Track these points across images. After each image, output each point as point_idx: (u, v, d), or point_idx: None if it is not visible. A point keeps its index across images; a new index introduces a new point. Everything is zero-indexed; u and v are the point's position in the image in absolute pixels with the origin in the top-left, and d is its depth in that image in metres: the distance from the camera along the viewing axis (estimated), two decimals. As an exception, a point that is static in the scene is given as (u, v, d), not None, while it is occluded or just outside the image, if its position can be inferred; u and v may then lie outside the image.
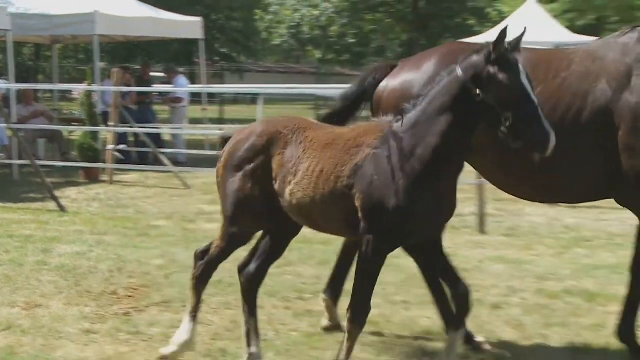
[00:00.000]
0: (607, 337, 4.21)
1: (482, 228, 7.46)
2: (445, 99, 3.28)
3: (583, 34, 17.30)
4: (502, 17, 20.22)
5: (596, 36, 17.52)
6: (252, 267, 3.84)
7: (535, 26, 16.05)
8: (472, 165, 4.04)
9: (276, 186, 3.56)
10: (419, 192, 3.28)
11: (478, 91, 3.18)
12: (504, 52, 3.17)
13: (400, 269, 5.33)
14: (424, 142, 3.28)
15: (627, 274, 3.98)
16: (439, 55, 3.97)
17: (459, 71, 3.26)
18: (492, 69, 3.16)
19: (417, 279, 5.01)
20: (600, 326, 4.47)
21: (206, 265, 3.82)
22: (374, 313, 4.35)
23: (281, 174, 3.53)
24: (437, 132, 3.26)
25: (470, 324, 4.04)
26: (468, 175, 4.99)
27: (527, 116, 3.12)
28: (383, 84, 4.06)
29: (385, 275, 5.18)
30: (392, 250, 3.41)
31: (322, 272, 5.37)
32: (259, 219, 3.71)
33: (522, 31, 3.32)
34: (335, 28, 33.30)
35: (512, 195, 4.13)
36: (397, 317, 4.67)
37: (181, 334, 3.85)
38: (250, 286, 3.83)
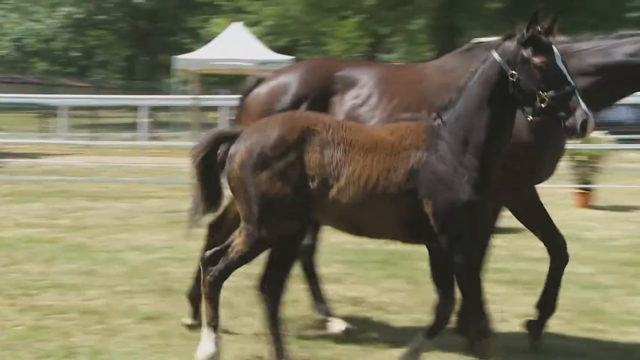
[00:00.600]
0: (302, 311, 4.79)
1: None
2: (483, 88, 3.35)
3: (281, 53, 19.56)
4: (212, 36, 21.81)
5: (292, 55, 19.75)
6: (271, 282, 3.66)
7: (241, 46, 17.87)
8: None
9: (313, 188, 3.37)
10: (483, 184, 3.35)
11: (513, 72, 3.28)
12: (536, 35, 3.28)
13: (123, 261, 5.97)
14: (473, 134, 3.34)
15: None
16: (303, 68, 4.43)
17: (495, 56, 3.34)
18: (525, 51, 3.28)
19: (140, 270, 5.78)
20: (296, 301, 4.86)
21: (223, 270, 3.54)
22: (98, 303, 4.92)
23: (320, 175, 3.36)
24: (484, 124, 3.33)
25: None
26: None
27: (564, 95, 3.22)
28: (254, 91, 4.36)
29: (109, 269, 5.85)
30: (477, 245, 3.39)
31: (48, 269, 5.74)
32: (290, 221, 3.46)
33: (552, 17, 3.36)
34: (60, 42, 34.71)
35: None
36: (120, 306, 4.95)
37: (205, 348, 3.55)
38: (272, 300, 3.64)
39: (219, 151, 3.54)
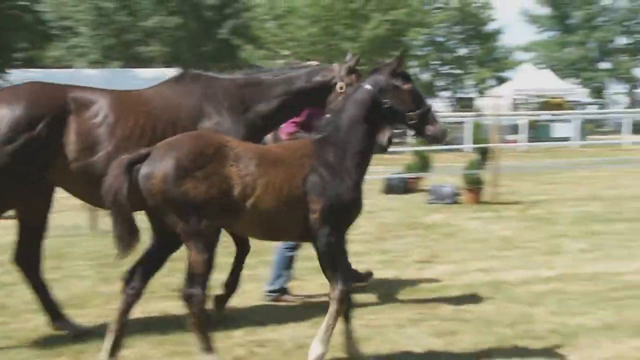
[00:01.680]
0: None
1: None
2: (358, 110, 4.16)
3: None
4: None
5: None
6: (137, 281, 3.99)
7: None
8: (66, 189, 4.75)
9: (233, 196, 3.82)
10: (359, 187, 4.14)
11: (386, 100, 4.14)
12: (402, 69, 4.21)
13: None
14: (350, 145, 4.13)
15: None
16: (27, 93, 4.61)
17: (368, 86, 4.18)
18: (395, 81, 4.17)
19: None
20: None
21: (201, 291, 3.84)
22: None
23: (239, 185, 3.82)
24: (359, 137, 4.14)
25: None
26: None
27: (425, 112, 4.17)
28: None
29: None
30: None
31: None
32: (220, 220, 3.86)
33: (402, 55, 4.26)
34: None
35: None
36: None
37: None
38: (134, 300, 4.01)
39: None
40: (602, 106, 47.55)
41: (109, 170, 3.80)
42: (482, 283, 6.29)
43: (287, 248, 5.94)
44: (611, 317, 5.18)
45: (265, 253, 6.97)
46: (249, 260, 5.47)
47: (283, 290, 5.94)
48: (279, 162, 3.99)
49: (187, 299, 3.86)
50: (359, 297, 5.85)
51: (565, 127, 26.52)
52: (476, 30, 45.12)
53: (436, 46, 46.17)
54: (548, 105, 35.87)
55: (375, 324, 5.14)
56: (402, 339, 4.83)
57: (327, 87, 5.10)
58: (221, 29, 39.74)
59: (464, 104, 46.62)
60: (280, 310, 5.59)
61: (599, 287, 5.99)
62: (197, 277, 3.82)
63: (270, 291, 5.91)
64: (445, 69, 47.36)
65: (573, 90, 37.22)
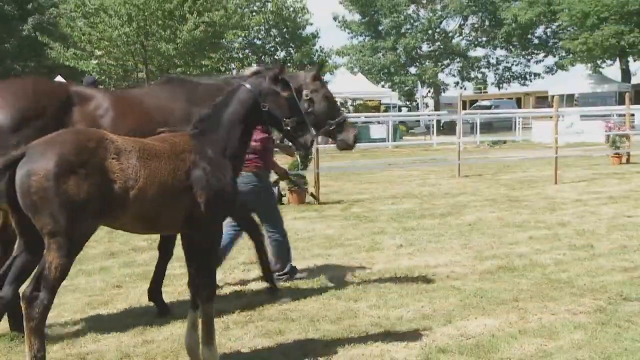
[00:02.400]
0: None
1: None
2: (239, 109, 4.29)
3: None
4: None
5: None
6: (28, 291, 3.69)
7: None
8: None
9: (116, 189, 3.74)
10: (235, 183, 4.27)
11: (265, 104, 4.28)
12: (283, 76, 4.34)
13: None
14: (230, 142, 4.23)
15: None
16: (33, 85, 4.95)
17: (248, 86, 4.30)
18: (276, 87, 4.29)
19: None
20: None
21: (49, 295, 3.64)
22: None
23: (121, 178, 3.76)
24: (238, 134, 4.27)
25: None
26: None
27: (300, 122, 4.35)
28: None
29: None
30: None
31: None
32: (97, 221, 3.77)
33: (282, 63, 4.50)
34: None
35: None
36: None
37: None
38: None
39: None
40: (412, 109, 51.00)
41: None
42: (307, 282, 6.47)
43: (276, 235, 6.39)
44: (426, 307, 5.57)
45: (84, 262, 6.68)
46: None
47: (293, 270, 6.53)
48: (162, 155, 3.99)
49: (31, 301, 3.63)
50: (186, 303, 5.76)
51: (380, 129, 28.04)
52: (293, 34, 46.25)
53: (254, 49, 46.68)
54: (365, 107, 37.74)
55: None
56: (229, 341, 4.84)
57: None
58: (25, 25, 37.14)
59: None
60: (102, 320, 5.36)
61: (415, 280, 6.41)
62: (50, 281, 3.62)
63: (281, 275, 6.42)
64: (264, 72, 47.92)
65: (386, 93, 39.48)
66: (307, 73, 5.79)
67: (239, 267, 7.14)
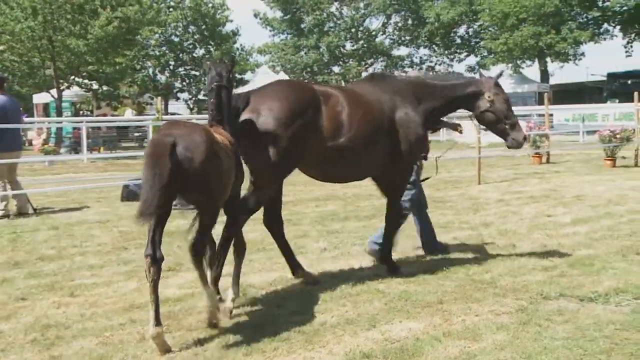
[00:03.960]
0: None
1: None
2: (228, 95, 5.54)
3: None
4: None
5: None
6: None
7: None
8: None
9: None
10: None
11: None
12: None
13: None
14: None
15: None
16: (293, 88, 6.25)
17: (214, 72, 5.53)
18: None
19: None
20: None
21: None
22: None
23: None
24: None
25: None
26: None
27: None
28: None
29: None
30: None
31: None
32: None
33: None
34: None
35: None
36: None
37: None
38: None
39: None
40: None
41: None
42: (228, 287, 6.39)
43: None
44: (350, 312, 5.61)
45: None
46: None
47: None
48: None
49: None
50: (98, 314, 5.60)
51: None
52: (212, 31, 45.80)
53: (172, 46, 45.97)
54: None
55: (114, 340, 4.98)
56: (144, 353, 4.72)
57: (477, 96, 6.81)
58: None
59: (205, 106, 47.10)
60: (4, 336, 5.11)
61: (338, 284, 6.44)
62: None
63: (376, 243, 7.22)
64: (182, 70, 47.37)
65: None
66: (488, 79, 6.90)
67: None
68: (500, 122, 6.80)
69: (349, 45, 52.31)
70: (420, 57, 54.11)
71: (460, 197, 12.58)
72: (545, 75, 46.36)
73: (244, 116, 5.73)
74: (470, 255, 7.55)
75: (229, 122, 5.51)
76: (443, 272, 6.80)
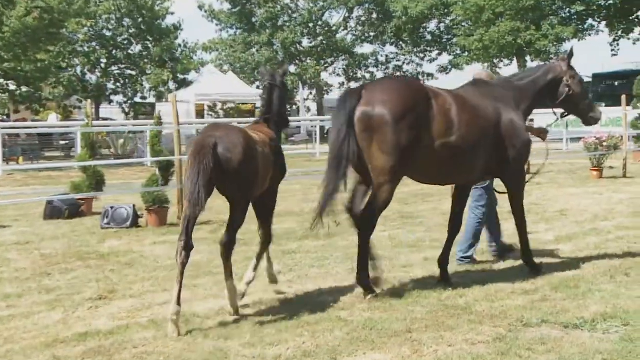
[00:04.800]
0: None
1: None
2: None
3: None
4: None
5: None
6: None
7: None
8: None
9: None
10: None
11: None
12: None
13: None
14: (281, 125, 7.36)
15: None
16: (407, 84, 7.37)
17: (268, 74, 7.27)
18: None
19: None
20: None
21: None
22: None
23: None
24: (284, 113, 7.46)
25: None
26: None
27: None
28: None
29: None
30: None
31: None
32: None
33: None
34: None
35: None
36: None
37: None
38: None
39: None
40: (292, 113, 51.37)
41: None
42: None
43: (479, 220, 8.45)
44: (308, 343, 5.61)
45: None
46: None
47: (473, 258, 8.46)
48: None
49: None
50: (14, 351, 5.49)
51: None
52: (150, 25, 45.46)
53: (103, 42, 45.50)
54: (238, 112, 37.67)
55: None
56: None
57: (557, 83, 7.96)
58: None
59: (143, 111, 46.72)
60: None
61: (295, 311, 6.44)
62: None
63: (463, 257, 8.37)
64: (116, 69, 46.92)
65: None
66: (561, 61, 8.05)
67: (85, 304, 6.88)
68: (580, 104, 8.06)
69: (306, 42, 52.54)
70: (387, 56, 54.68)
71: (432, 212, 12.71)
72: (524, 75, 47.02)
73: (359, 110, 6.68)
74: (442, 278, 7.60)
75: (278, 119, 7.20)
76: (412, 297, 6.85)
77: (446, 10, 47.51)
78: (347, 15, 53.30)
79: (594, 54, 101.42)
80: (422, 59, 53.99)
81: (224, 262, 6.34)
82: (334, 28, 53.17)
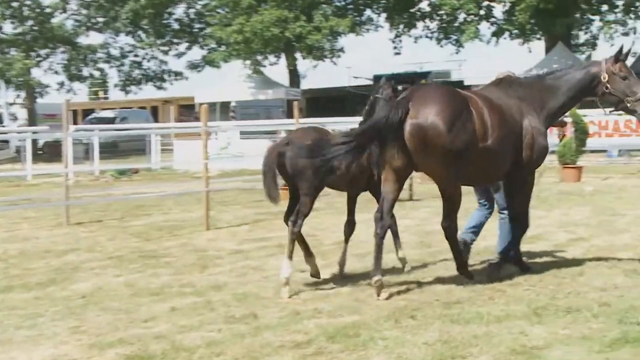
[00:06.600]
0: None
1: None
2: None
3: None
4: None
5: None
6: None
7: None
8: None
9: None
10: None
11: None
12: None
13: None
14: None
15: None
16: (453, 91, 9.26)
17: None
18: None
19: None
20: None
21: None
22: None
23: None
24: None
25: None
26: None
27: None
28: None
29: None
30: None
31: None
32: None
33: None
34: None
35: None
36: None
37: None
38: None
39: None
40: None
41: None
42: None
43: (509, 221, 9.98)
44: None
45: None
46: None
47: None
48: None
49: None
50: None
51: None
52: None
53: None
54: None
55: None
56: None
57: (594, 81, 9.75)
58: None
59: None
60: None
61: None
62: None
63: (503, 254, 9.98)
64: None
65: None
66: (605, 59, 9.81)
67: None
68: (622, 102, 9.66)
69: (9, 28, 50.70)
70: (121, 48, 54.13)
71: (181, 248, 12.74)
72: (295, 76, 48.52)
73: (409, 123, 8.55)
74: (195, 333, 7.65)
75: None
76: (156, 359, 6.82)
77: (196, -9, 47.76)
78: (66, -6, 52.01)
79: (377, 51, 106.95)
80: (167, 53, 53.84)
81: (289, 242, 9.54)
82: (49, 11, 51.60)
